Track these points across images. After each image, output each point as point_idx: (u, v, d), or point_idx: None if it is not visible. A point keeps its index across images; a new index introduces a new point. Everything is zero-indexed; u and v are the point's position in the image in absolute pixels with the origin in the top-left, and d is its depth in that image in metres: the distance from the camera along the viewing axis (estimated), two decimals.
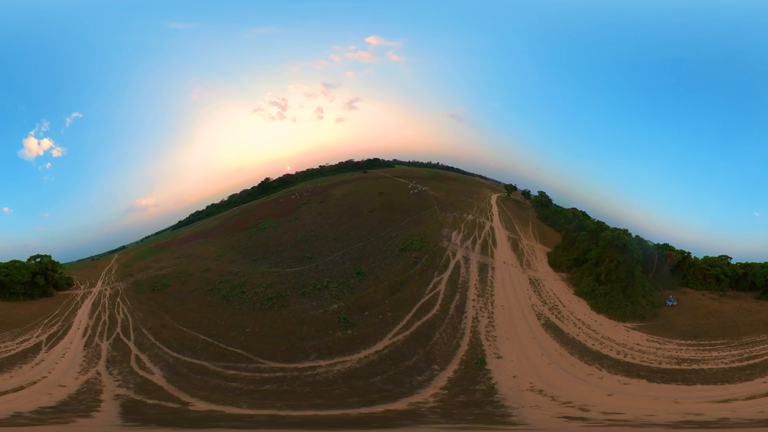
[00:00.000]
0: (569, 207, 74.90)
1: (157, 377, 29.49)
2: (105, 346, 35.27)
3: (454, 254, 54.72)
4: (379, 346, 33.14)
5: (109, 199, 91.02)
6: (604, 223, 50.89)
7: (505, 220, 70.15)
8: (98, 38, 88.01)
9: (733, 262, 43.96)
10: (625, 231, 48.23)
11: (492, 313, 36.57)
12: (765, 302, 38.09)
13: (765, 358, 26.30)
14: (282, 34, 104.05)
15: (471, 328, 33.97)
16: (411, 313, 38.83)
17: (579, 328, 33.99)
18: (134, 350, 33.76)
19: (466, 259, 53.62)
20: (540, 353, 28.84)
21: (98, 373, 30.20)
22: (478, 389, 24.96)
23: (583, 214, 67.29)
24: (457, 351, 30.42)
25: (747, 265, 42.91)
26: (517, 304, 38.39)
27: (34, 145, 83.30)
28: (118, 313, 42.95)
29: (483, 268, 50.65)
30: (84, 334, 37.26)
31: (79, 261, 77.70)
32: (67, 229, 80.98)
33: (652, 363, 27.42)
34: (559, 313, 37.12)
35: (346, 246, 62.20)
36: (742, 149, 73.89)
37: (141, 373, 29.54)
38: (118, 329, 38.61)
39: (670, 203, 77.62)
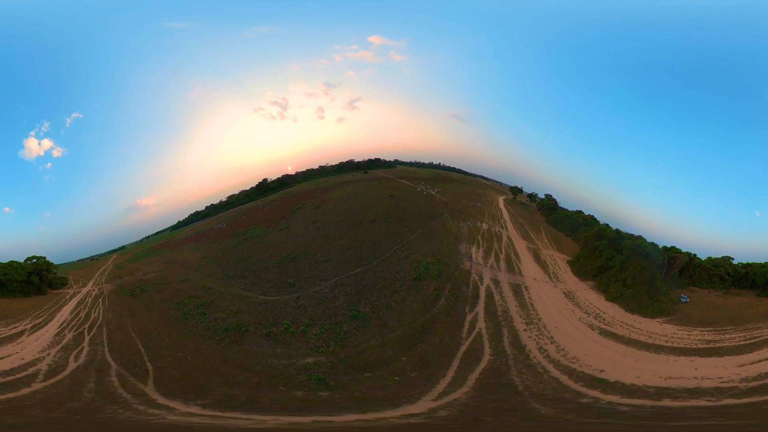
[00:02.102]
0: (572, 208, 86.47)
1: (72, 367, 38.72)
2: (69, 336, 46.51)
3: (481, 277, 55.25)
4: (414, 408, 30.45)
5: (109, 198, 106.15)
6: (621, 230, 63.67)
7: (518, 228, 78.58)
8: (97, 38, 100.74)
9: (734, 262, 58.84)
10: (640, 237, 62.12)
11: (552, 337, 41.89)
12: (764, 298, 53.41)
13: (763, 338, 41.38)
14: (282, 33, 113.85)
15: (546, 359, 37.80)
16: (455, 367, 36.36)
17: (627, 329, 45.68)
18: (84, 343, 44.56)
19: (497, 282, 54.81)
20: (621, 356, 38.47)
21: (48, 354, 41.49)
22: (649, 392, 31.60)
23: (592, 218, 79.72)
24: (563, 382, 34.04)
25: (748, 265, 58.13)
26: (566, 322, 46.24)
27: (35, 146, 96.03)
28: (94, 312, 54.22)
29: (517, 290, 53.51)
30: (59, 326, 49.94)
31: (79, 261, 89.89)
32: (68, 229, 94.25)
33: (692, 345, 41.57)
34: (604, 319, 47.97)
35: (340, 271, 58.00)
36: (742, 150, 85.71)
37: (69, 360, 40.23)
38: (86, 325, 50.02)
39: (671, 203, 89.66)
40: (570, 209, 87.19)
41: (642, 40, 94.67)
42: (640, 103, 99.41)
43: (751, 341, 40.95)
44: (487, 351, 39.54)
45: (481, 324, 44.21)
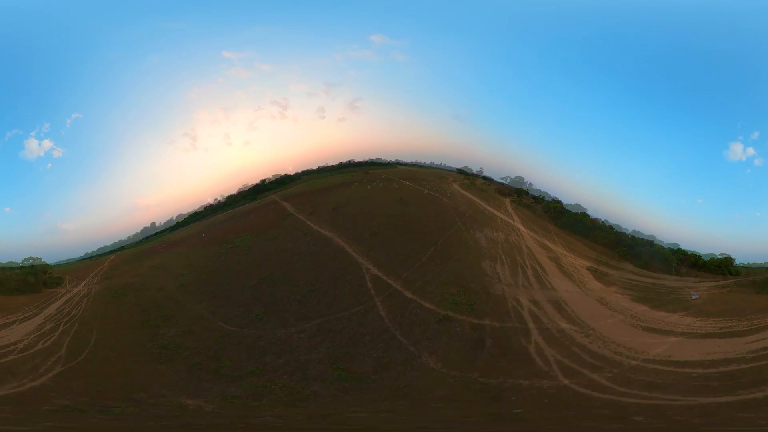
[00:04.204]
0: (569, 204, 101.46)
1: (37, 348, 52.49)
2: (48, 326, 59.69)
3: (518, 301, 58.54)
4: None
5: (110, 198, 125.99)
6: (635, 236, 79.50)
7: (533, 235, 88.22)
8: (98, 38, 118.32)
9: (736, 263, 76.86)
10: (652, 241, 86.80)
11: (615, 342, 52.51)
12: (763, 295, 68.98)
13: (762, 325, 57.25)
14: (281, 32, 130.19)
15: (630, 359, 47.84)
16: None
17: (660, 323, 59.52)
18: (55, 334, 57.72)
19: (536, 303, 59.68)
20: (669, 344, 52.18)
21: (26, 338, 55.39)
22: (707, 363, 45.21)
23: (599, 221, 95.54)
24: (663, 369, 45.04)
25: (748, 266, 76.21)
26: (614, 326, 57.84)
27: (35, 146, 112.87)
28: (75, 309, 66.13)
29: (557, 306, 59.51)
30: (44, 318, 63.35)
31: (79, 260, 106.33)
32: (68, 229, 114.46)
33: (710, 331, 56.43)
34: (639, 318, 60.67)
35: (327, 309, 53.89)
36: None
37: (39, 343, 54.02)
38: (65, 319, 61.86)
39: (671, 202, 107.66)
40: (567, 206, 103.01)
41: (652, 39, 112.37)
42: (642, 102, 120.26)
43: (753, 327, 57.59)
44: (584, 372, 45.01)
45: (549, 351, 48.17)
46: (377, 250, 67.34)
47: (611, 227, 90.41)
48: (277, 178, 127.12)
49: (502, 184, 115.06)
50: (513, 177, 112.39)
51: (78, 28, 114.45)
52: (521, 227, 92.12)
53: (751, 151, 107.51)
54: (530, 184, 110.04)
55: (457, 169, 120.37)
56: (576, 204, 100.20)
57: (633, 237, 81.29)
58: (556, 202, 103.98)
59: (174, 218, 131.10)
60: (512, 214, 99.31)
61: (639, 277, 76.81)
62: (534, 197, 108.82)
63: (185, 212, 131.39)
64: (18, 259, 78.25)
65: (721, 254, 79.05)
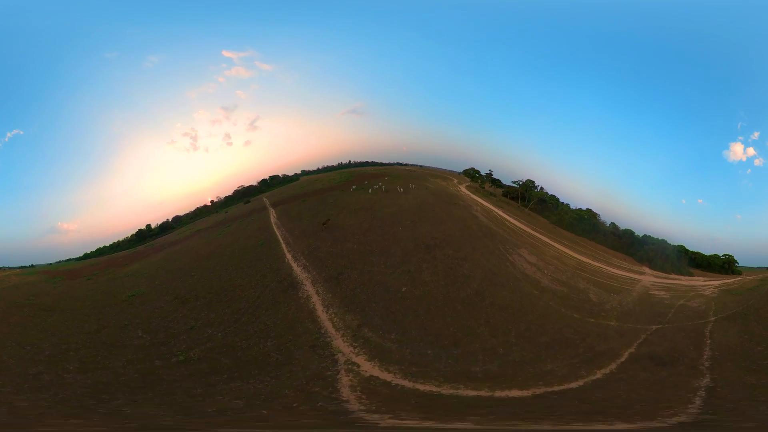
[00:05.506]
0: (582, 210, 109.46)
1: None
2: None
3: (611, 327, 58.38)
4: None
5: (110, 198, 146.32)
6: (650, 236, 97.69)
7: (562, 248, 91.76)
8: (98, 38, 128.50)
9: (737, 264, 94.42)
10: (664, 241, 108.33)
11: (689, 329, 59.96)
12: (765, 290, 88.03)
13: None
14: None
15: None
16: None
17: (698, 311, 68.72)
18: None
19: (621, 319, 62.55)
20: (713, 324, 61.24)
21: None
22: None
23: (623, 229, 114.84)
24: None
25: (747, 268, 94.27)
26: (677, 317, 66.69)
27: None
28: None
29: (637, 315, 65.91)
30: None
31: (78, 260, 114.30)
32: (69, 229, 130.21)
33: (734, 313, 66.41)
34: (689, 310, 69.11)
35: None
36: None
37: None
38: None
39: (672, 203, 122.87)
40: (579, 211, 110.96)
41: (649, 39, 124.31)
42: (642, 103, 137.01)
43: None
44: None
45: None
46: (380, 325, 40.50)
47: (626, 231, 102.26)
48: (274, 179, 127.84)
49: (513, 186, 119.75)
50: (523, 180, 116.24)
51: (78, 29, 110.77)
52: (550, 241, 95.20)
53: (751, 151, 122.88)
54: (541, 187, 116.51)
55: (463, 171, 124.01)
56: (587, 209, 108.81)
57: (646, 240, 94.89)
58: (565, 206, 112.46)
59: (170, 219, 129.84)
60: (533, 224, 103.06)
61: (658, 279, 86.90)
62: (545, 201, 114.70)
63: (182, 213, 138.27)
64: (18, 257, 76.97)
65: (724, 255, 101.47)
